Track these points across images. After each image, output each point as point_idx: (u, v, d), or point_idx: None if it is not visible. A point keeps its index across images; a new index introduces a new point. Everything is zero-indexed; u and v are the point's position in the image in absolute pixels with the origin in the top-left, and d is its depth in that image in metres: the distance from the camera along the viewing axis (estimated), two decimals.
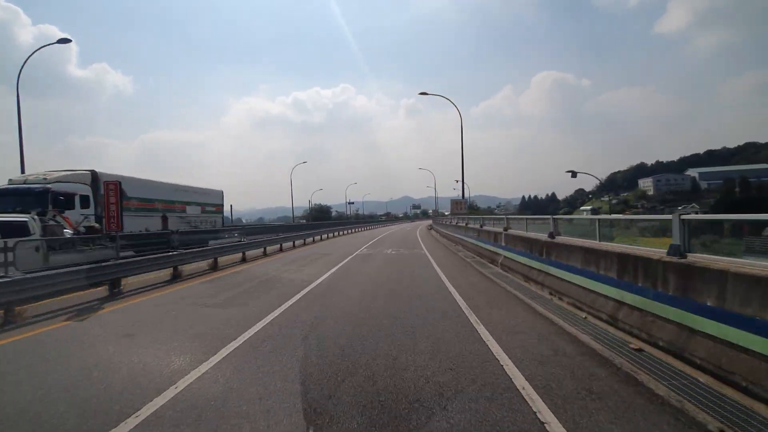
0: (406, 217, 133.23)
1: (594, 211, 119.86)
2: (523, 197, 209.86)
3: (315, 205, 68.83)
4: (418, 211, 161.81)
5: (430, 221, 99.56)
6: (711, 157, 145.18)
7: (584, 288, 6.09)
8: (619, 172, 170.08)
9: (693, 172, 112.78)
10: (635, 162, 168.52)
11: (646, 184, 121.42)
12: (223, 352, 4.58)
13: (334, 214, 75.89)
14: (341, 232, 37.68)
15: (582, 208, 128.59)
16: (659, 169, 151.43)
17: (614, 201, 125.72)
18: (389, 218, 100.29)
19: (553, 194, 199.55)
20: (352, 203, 71.37)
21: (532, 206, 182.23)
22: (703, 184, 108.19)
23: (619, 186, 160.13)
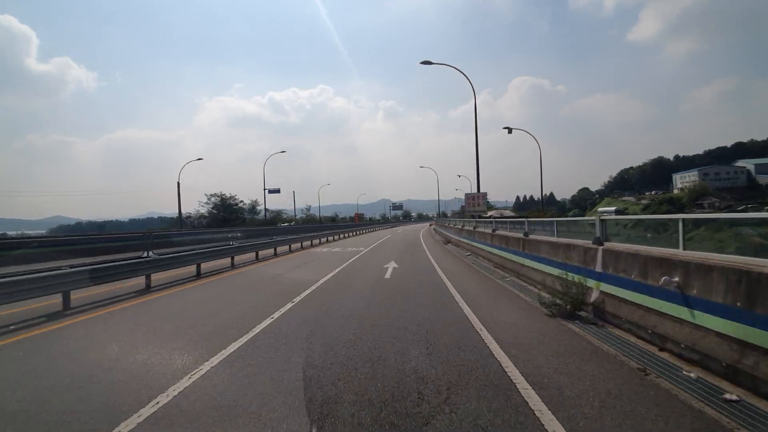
0: (385, 220, 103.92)
1: (619, 212, 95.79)
2: (518, 197, 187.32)
3: (214, 197, 38.45)
4: (399, 213, 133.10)
5: (426, 225, 71.27)
6: (739, 149, 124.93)
7: None
8: (631, 168, 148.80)
9: (746, 164, 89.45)
10: (614, 164, 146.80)
11: (686, 179, 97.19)
12: None
13: (260, 215, 45.62)
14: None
15: (601, 209, 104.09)
16: (682, 164, 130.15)
17: (643, 200, 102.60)
18: (360, 222, 70.75)
19: (551, 194, 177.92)
20: (277, 191, 40.33)
21: (528, 207, 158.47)
22: (762, 179, 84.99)
23: (634, 184, 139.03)
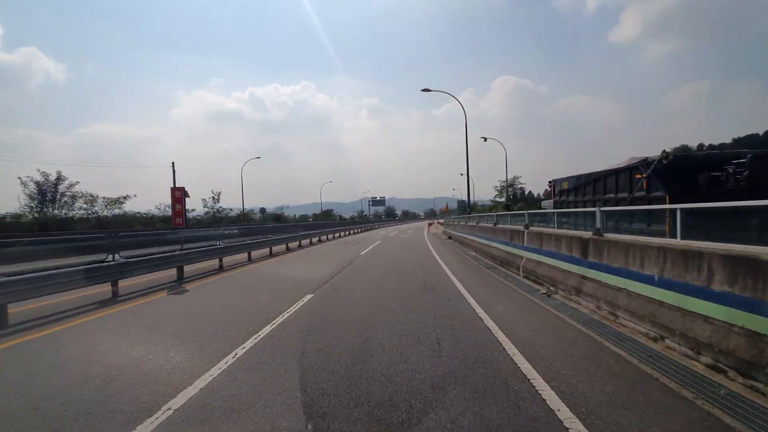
0: (363, 220, 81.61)
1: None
2: (515, 192, 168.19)
3: None
4: (381, 210, 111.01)
5: (423, 226, 48.09)
6: None
7: None
8: (646, 159, 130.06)
9: None
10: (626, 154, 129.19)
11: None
12: None
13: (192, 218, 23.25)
14: None
15: None
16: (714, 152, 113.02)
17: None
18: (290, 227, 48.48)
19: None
20: None
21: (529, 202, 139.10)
22: None
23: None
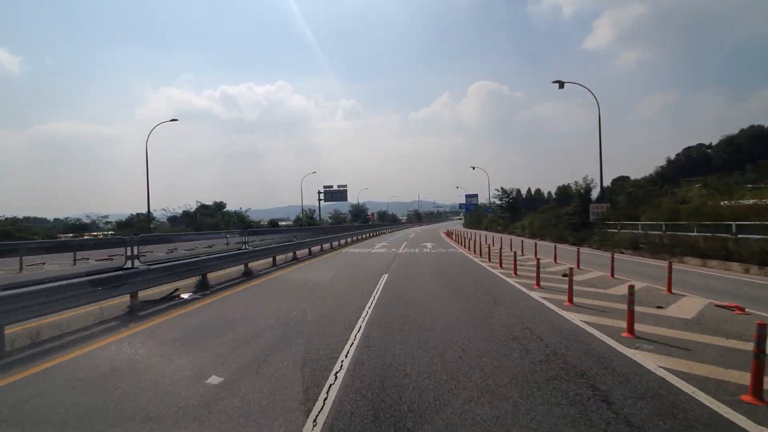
0: (307, 225, 47.90)
1: None
2: (522, 191, 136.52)
3: None
4: (345, 212, 77.74)
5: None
6: None
7: None
8: (702, 145, 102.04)
9: None
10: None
11: None
12: None
13: None
14: None
15: None
16: None
17: None
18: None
19: (567, 187, 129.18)
20: None
21: (533, 204, 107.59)
22: None
23: (713, 165, 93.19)
